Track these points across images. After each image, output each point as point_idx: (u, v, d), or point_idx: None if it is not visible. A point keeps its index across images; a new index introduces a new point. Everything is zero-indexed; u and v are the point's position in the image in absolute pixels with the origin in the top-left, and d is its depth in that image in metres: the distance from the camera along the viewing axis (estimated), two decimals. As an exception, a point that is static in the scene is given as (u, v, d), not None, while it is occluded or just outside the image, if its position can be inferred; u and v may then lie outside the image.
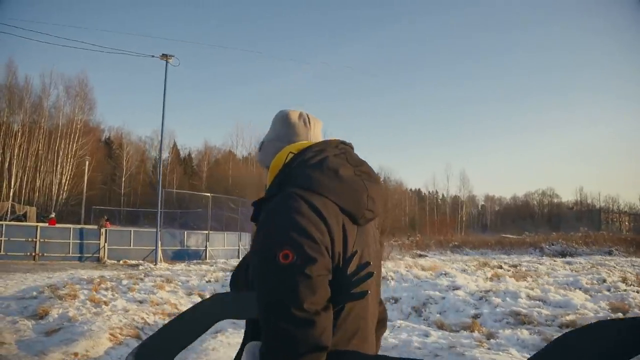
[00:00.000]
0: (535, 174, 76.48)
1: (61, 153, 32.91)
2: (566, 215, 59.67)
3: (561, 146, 76.09)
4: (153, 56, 13.64)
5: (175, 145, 48.74)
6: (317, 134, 1.05)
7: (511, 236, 35.35)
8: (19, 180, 30.54)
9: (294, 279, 0.75)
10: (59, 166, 32.81)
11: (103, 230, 13.32)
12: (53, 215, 16.34)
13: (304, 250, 0.76)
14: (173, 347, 0.99)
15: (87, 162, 27.46)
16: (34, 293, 6.58)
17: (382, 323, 1.07)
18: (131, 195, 42.46)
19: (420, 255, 22.66)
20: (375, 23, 72.25)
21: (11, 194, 29.18)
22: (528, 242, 29.56)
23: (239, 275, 1.06)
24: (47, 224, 13.79)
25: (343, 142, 0.99)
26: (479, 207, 64.09)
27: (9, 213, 25.04)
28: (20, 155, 30.74)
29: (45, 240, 12.64)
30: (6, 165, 29.78)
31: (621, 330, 0.57)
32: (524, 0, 67.44)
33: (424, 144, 76.83)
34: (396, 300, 6.65)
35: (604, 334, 0.59)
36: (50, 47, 52.12)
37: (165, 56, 13.63)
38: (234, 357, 0.99)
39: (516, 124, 77.27)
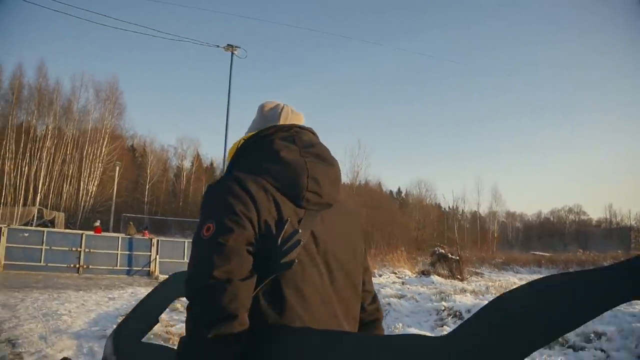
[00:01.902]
0: (561, 190, 73.27)
1: (89, 158, 31.71)
2: (593, 233, 57.52)
3: (589, 163, 72.86)
4: (218, 46, 12.12)
5: (198, 154, 47.97)
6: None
7: (545, 253, 33.38)
8: (45, 185, 29.34)
9: (209, 249, 0.74)
10: (85, 172, 31.61)
11: (155, 240, 11.67)
12: (98, 223, 14.68)
13: (222, 221, 0.75)
14: (144, 327, 1.16)
15: (117, 168, 26.02)
16: (114, 326, 4.86)
17: (373, 325, 1.01)
18: (154, 204, 41.44)
19: (477, 273, 20.77)
20: (413, 33, 70.66)
21: (38, 199, 27.96)
22: (585, 260, 27.36)
23: None
24: (92, 232, 12.21)
25: (300, 127, 0.94)
26: (499, 223, 61.83)
27: (35, 218, 23.76)
28: (48, 159, 29.59)
29: (91, 250, 11.05)
30: (34, 169, 28.64)
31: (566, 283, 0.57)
32: (557, 14, 65.45)
33: (446, 159, 74.22)
34: (599, 337, 4.72)
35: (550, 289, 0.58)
36: (82, 49, 51.79)
37: (230, 47, 12.04)
38: None
39: (542, 141, 74.29)
